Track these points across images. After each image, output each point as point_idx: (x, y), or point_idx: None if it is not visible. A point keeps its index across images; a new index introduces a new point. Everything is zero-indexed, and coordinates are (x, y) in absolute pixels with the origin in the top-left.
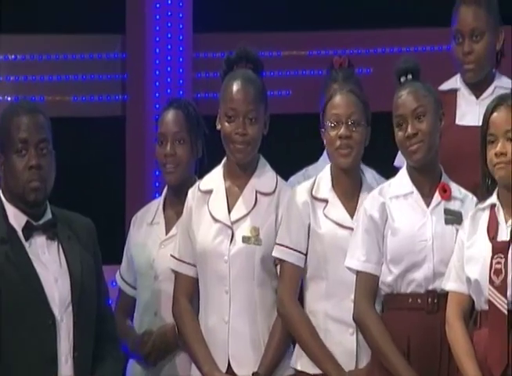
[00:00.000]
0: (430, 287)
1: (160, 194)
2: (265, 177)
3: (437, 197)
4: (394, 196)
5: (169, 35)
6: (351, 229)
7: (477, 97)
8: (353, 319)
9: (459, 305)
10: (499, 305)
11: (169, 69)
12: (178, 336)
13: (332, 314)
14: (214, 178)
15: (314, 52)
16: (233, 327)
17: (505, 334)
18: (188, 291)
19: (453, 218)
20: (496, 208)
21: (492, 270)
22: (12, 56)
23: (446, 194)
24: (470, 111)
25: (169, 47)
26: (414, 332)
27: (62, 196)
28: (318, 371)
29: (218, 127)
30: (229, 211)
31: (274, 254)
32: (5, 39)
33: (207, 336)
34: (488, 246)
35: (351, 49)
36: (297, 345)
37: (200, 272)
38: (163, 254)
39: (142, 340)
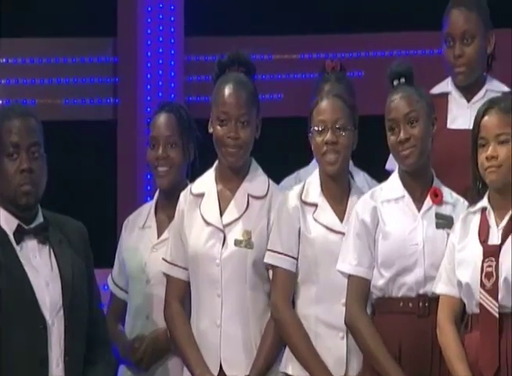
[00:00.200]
0: (421, 291)
1: (151, 198)
2: (257, 181)
3: (428, 201)
4: (386, 200)
5: (161, 38)
6: (341, 233)
7: (469, 101)
8: (345, 322)
9: (450, 309)
10: (490, 309)
11: (161, 72)
12: (170, 340)
13: (322, 318)
14: (206, 182)
15: (305, 55)
16: (225, 330)
17: (496, 337)
18: (179, 294)
19: (444, 222)
20: (487, 212)
21: (483, 274)
22: (4, 60)
23: (438, 199)
24: (461, 115)
25: (161, 50)
26: (405, 336)
27: (53, 199)
28: None
29: (210, 130)
30: (221, 215)
31: (266, 260)
32: None
33: (199, 339)
34: (479, 249)
35: (342, 53)
36: (287, 349)
37: (192, 276)
38: (155, 257)
39: (132, 346)
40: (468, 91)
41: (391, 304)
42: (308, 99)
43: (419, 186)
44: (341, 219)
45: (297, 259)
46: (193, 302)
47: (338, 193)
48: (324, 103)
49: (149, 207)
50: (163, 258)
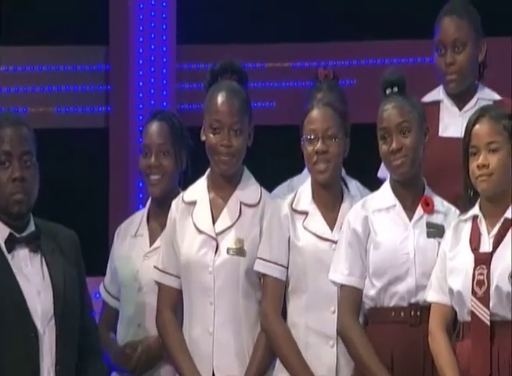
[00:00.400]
0: (413, 300)
1: (143, 206)
2: (250, 189)
3: (419, 210)
4: (377, 209)
5: (152, 46)
6: (331, 241)
7: (460, 109)
8: (337, 332)
9: (441, 317)
10: (481, 317)
11: (153, 80)
12: (162, 347)
13: (312, 326)
14: (198, 190)
15: (298, 63)
16: (218, 338)
17: (488, 345)
18: (171, 302)
19: (435, 231)
20: (478, 220)
21: (475, 281)
22: None
23: (429, 208)
24: (453, 123)
25: (152, 58)
26: (397, 345)
27: (45, 207)
28: None
29: (203, 138)
30: (214, 223)
31: (256, 268)
32: None
33: (192, 347)
34: (471, 257)
35: (334, 61)
36: (278, 359)
37: (184, 284)
38: (147, 266)
39: (124, 352)
40: (460, 99)
41: (383, 314)
42: (301, 108)
43: (410, 195)
44: (332, 227)
45: (287, 268)
46: (186, 310)
47: (330, 201)
48: (315, 112)
49: (141, 215)
50: (154, 266)
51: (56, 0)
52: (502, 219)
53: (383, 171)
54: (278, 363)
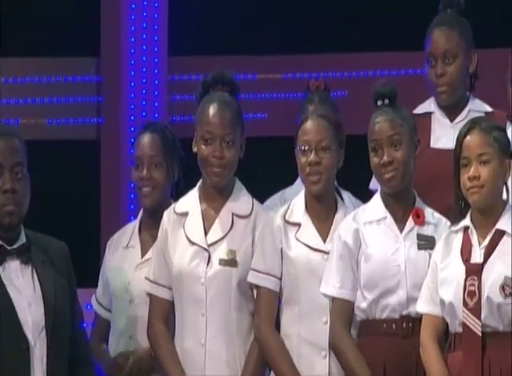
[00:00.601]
0: (405, 312)
1: (135, 217)
2: (241, 200)
3: (410, 222)
4: (368, 221)
5: (144, 58)
6: (323, 252)
7: (452, 120)
8: (329, 344)
9: (433, 328)
10: (473, 327)
11: (144, 92)
12: (154, 359)
13: (305, 337)
14: (190, 201)
15: (289, 75)
16: (210, 349)
17: (479, 356)
18: (163, 313)
19: (426, 243)
20: (470, 231)
21: (466, 292)
22: None
23: (419, 220)
24: (444, 134)
25: (144, 70)
26: (390, 357)
27: (36, 219)
28: None
29: (195, 150)
30: (206, 234)
31: (249, 279)
32: None
33: (184, 359)
34: (462, 268)
35: (325, 72)
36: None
37: (176, 295)
38: (138, 277)
39: (116, 363)
40: (451, 111)
41: (375, 326)
42: (292, 119)
43: (401, 207)
44: (325, 238)
45: (280, 279)
46: (177, 322)
47: (323, 212)
48: (309, 124)
49: (132, 226)
50: (146, 278)
51: (47, 12)
52: (493, 230)
53: (374, 183)
54: (273, 374)
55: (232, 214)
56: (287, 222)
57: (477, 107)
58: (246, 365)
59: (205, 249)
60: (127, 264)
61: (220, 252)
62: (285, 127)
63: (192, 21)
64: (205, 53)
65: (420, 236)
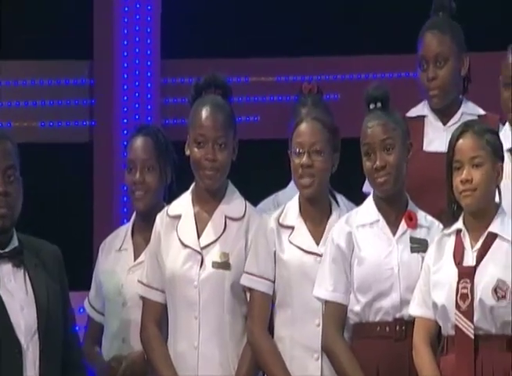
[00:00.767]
0: (398, 315)
1: (128, 220)
2: (234, 203)
3: (403, 225)
4: (361, 224)
5: (137, 61)
6: (316, 254)
7: (445, 124)
8: (322, 347)
9: (425, 331)
10: (465, 330)
11: (137, 95)
12: (147, 362)
13: (297, 339)
14: (183, 204)
15: (282, 77)
16: (203, 352)
17: (472, 359)
18: (156, 316)
19: (419, 246)
20: (462, 234)
21: (459, 295)
22: None
23: (412, 223)
24: (437, 137)
25: (137, 73)
26: (383, 360)
27: (29, 222)
28: None
29: (187, 153)
30: (198, 237)
31: (242, 282)
32: None
33: (177, 362)
34: (454, 271)
35: (318, 75)
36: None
37: (169, 298)
38: (131, 280)
39: (109, 366)
40: (444, 114)
41: (369, 329)
42: (285, 122)
43: (393, 211)
44: (318, 241)
45: (273, 282)
46: (170, 325)
47: (317, 215)
48: (303, 126)
49: (125, 229)
50: (139, 281)
51: (41, 14)
52: (485, 233)
53: (368, 186)
54: None
55: (225, 216)
56: (281, 225)
57: (470, 110)
58: (239, 368)
59: (198, 252)
60: (120, 267)
61: (213, 255)
62: (278, 130)
63: (185, 24)
64: (198, 56)
65: (412, 240)
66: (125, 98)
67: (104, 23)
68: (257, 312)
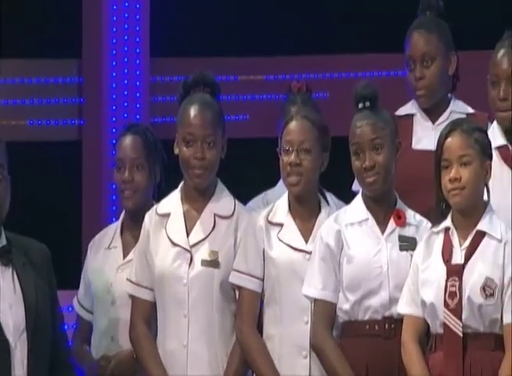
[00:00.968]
0: (387, 313)
1: (116, 219)
2: (223, 201)
3: (391, 223)
4: (350, 223)
5: (126, 59)
6: (305, 251)
7: (433, 122)
8: (311, 346)
9: (414, 329)
10: (454, 328)
11: (126, 93)
12: (137, 361)
13: (285, 337)
14: (172, 202)
15: (271, 76)
16: (192, 350)
17: (460, 357)
18: (145, 315)
19: (408, 244)
20: (450, 232)
21: (447, 293)
22: None
23: (401, 221)
24: (426, 136)
25: (126, 71)
26: (372, 358)
27: (18, 221)
28: None
29: (176, 151)
30: (188, 235)
31: (231, 280)
32: None
33: (166, 360)
34: (443, 269)
35: (307, 74)
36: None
37: (158, 297)
38: (120, 278)
39: (99, 364)
40: (433, 112)
41: (358, 327)
42: (274, 120)
43: (382, 209)
44: (307, 239)
45: (262, 280)
46: (160, 323)
47: (306, 213)
48: (293, 124)
49: (114, 227)
50: (128, 279)
51: (29, 13)
52: (474, 232)
53: (357, 185)
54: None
55: (214, 215)
56: (270, 223)
57: (459, 109)
58: (228, 366)
59: (187, 250)
60: (109, 265)
61: (202, 253)
62: (267, 128)
63: (174, 23)
64: (187, 55)
65: (401, 238)
66: (114, 96)
67: (93, 21)
68: (245, 310)
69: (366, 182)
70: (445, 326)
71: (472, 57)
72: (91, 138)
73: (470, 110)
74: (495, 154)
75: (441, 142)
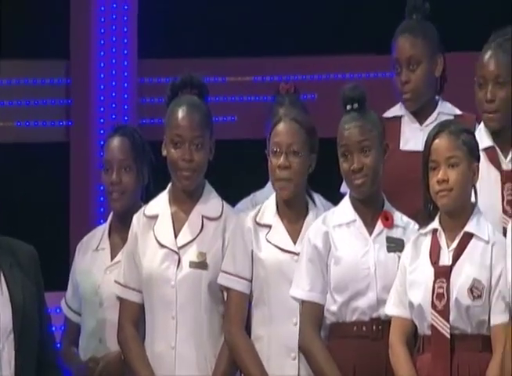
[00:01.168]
0: (375, 315)
1: (104, 220)
2: (211, 202)
3: (379, 225)
4: (337, 224)
5: (114, 61)
6: (293, 253)
7: (421, 123)
8: (299, 347)
9: (401, 330)
10: (441, 330)
11: (114, 94)
12: (124, 363)
13: (274, 338)
14: (160, 204)
15: (259, 77)
16: (180, 352)
17: (448, 358)
18: (133, 317)
19: (395, 245)
20: (438, 233)
21: (435, 295)
22: None
23: (388, 222)
24: (414, 137)
25: (114, 72)
26: (360, 359)
27: (5, 222)
28: None
29: (164, 153)
30: (176, 237)
31: (219, 281)
32: None
33: (154, 362)
34: (431, 270)
35: (295, 75)
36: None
37: (146, 298)
38: (108, 280)
39: (87, 366)
40: (420, 114)
41: (345, 329)
42: (262, 122)
43: (370, 211)
44: (295, 240)
45: (250, 281)
46: (148, 325)
47: (294, 214)
48: (281, 126)
49: (102, 229)
50: (116, 281)
51: (17, 14)
52: (461, 233)
53: (345, 187)
54: None
55: (202, 216)
56: (258, 224)
57: (447, 110)
58: (216, 368)
59: (175, 252)
60: (96, 267)
61: (190, 255)
62: (255, 130)
63: (162, 24)
64: (175, 56)
65: (389, 239)
66: (102, 98)
67: (81, 22)
68: (233, 311)
69: (354, 184)
70: (432, 327)
71: (459, 59)
72: (79, 139)
73: (458, 112)
74: (482, 156)
75: (428, 144)
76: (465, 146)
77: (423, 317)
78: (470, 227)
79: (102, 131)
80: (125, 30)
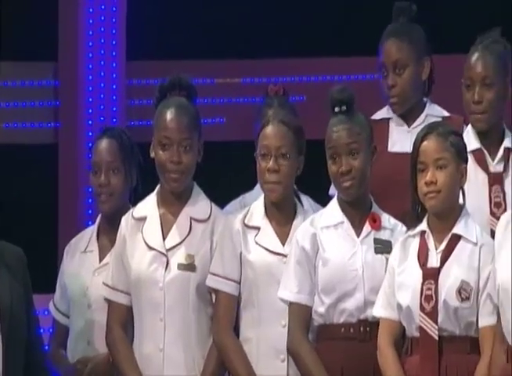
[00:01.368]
0: (362, 317)
1: (93, 222)
2: (199, 204)
3: (367, 226)
4: (325, 226)
5: (102, 62)
6: (282, 255)
7: (409, 125)
8: (287, 349)
9: (389, 332)
10: (429, 332)
11: (102, 96)
12: (113, 365)
13: (263, 340)
14: (148, 206)
15: (247, 79)
16: (168, 354)
17: (436, 360)
18: (121, 319)
19: (383, 247)
20: (426, 235)
21: (423, 297)
22: None
23: (376, 224)
24: (401, 139)
25: (102, 74)
26: (347, 361)
27: None
28: None
29: (152, 155)
30: (164, 239)
31: (208, 283)
32: None
33: (142, 364)
34: (419, 272)
35: (284, 77)
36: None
37: (134, 300)
38: (96, 282)
39: (75, 368)
40: (408, 116)
41: (333, 330)
42: (251, 123)
43: (358, 213)
44: (284, 242)
45: (239, 283)
46: (136, 327)
47: (282, 217)
48: (269, 129)
49: (91, 231)
50: (104, 283)
51: (4, 15)
52: (449, 235)
53: (334, 189)
54: None
55: (191, 218)
56: (247, 226)
57: (435, 112)
58: (204, 369)
59: (163, 254)
60: (85, 269)
61: (178, 257)
62: (244, 131)
63: (151, 26)
64: (163, 58)
65: (376, 241)
66: (90, 99)
67: (69, 24)
68: (222, 313)
69: (343, 186)
70: (420, 329)
71: (447, 61)
72: (67, 141)
73: (446, 114)
74: (470, 158)
75: (417, 146)
76: (453, 147)
77: (411, 319)
78: (458, 229)
79: (90, 133)
80: (114, 31)
